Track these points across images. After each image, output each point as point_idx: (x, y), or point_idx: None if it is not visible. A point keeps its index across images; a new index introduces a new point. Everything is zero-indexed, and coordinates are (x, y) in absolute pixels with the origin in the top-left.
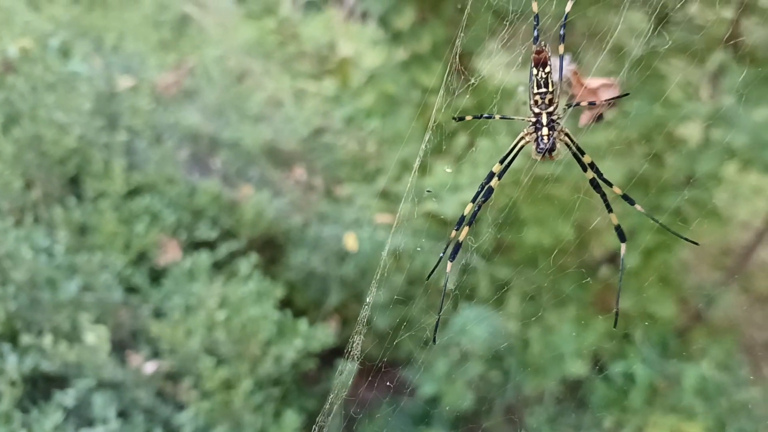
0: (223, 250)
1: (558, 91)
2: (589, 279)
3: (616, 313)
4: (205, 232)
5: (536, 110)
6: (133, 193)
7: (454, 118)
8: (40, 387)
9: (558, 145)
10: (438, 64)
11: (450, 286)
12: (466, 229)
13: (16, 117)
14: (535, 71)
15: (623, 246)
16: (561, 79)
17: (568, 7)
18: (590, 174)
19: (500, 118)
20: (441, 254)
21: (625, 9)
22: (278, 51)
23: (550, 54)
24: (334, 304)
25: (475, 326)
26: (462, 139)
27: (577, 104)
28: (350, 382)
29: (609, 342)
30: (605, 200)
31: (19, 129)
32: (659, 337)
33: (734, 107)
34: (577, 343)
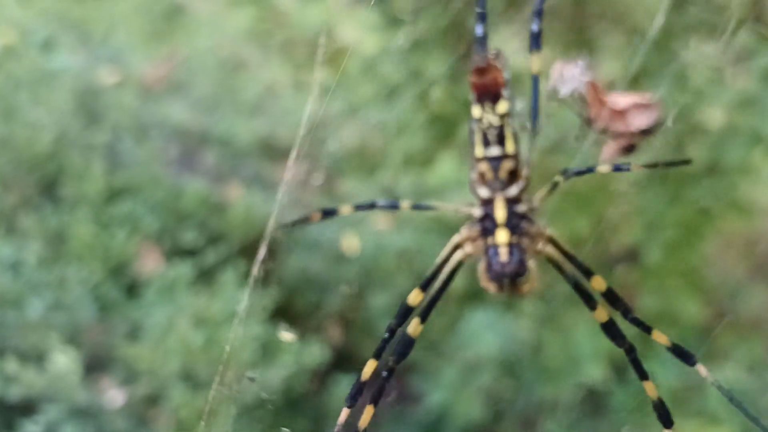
0: (211, 257)
1: (526, 158)
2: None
3: None
4: (191, 238)
5: (484, 192)
6: (115, 196)
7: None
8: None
9: (531, 263)
10: (442, 52)
11: None
12: (370, 409)
13: None
14: (476, 111)
15: None
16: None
17: None
18: (603, 315)
19: (412, 207)
20: None
21: None
22: (267, 39)
23: (505, 73)
24: (335, 309)
25: (485, 330)
26: (465, 130)
27: (584, 170)
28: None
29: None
30: (634, 361)
31: None
32: (681, 338)
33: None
34: (594, 345)
